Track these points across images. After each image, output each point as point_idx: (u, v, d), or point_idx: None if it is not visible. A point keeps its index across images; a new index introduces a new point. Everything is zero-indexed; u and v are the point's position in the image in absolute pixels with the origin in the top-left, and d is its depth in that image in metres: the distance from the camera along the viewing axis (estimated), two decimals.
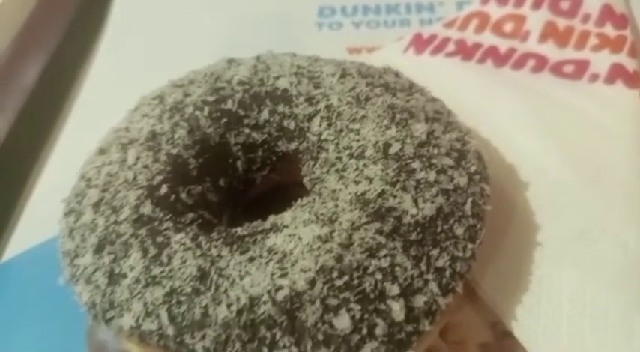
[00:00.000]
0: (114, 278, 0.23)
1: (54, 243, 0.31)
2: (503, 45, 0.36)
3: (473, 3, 0.39)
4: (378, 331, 0.21)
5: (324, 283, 0.21)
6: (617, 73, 0.33)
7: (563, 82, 0.33)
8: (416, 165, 0.24)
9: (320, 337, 0.21)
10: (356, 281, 0.21)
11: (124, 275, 0.22)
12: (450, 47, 0.37)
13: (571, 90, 0.33)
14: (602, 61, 0.34)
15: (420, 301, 0.21)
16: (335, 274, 0.21)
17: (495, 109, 0.32)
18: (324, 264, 0.21)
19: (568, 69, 0.34)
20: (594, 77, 0.33)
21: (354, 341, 0.21)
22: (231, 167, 0.28)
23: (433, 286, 0.22)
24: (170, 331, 0.21)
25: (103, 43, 0.43)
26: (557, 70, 0.34)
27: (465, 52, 0.36)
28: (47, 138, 0.37)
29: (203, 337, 0.21)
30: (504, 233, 0.28)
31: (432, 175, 0.24)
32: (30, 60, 0.41)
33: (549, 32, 0.36)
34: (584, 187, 0.28)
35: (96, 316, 0.23)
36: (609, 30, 0.35)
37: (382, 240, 0.22)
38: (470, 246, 0.23)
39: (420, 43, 0.37)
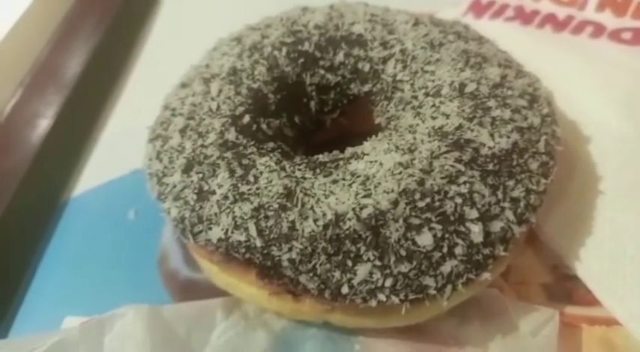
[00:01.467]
0: (202, 194, 0.24)
1: (122, 181, 0.33)
2: (561, 12, 0.37)
3: None
4: (458, 250, 0.22)
5: (407, 204, 0.22)
6: None
7: (622, 46, 0.34)
8: (491, 103, 0.25)
9: (403, 252, 0.22)
10: (437, 204, 0.22)
11: (213, 192, 0.24)
12: (509, 12, 0.37)
13: (629, 54, 0.33)
14: None
15: (496, 227, 0.22)
16: (417, 196, 0.22)
17: (556, 68, 0.32)
18: (406, 186, 0.22)
19: (626, 36, 0.35)
20: None
21: (435, 258, 0.22)
22: (305, 106, 0.29)
23: (509, 214, 0.23)
24: (258, 243, 0.22)
25: (162, 8, 0.44)
26: (615, 36, 0.35)
27: (523, 17, 0.37)
28: (114, 86, 0.38)
29: (290, 249, 0.22)
30: (567, 182, 0.28)
31: (507, 113, 0.25)
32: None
33: (607, 1, 0.37)
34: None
35: (184, 230, 0.24)
36: None
37: (461, 167, 0.23)
38: (543, 180, 0.24)
39: (478, 8, 0.38)
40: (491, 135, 0.24)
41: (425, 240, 0.22)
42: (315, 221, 0.22)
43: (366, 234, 0.22)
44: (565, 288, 0.27)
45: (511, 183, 0.23)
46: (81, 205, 0.32)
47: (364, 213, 0.22)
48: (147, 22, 0.43)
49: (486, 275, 0.22)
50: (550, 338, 0.24)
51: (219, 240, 0.23)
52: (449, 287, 0.22)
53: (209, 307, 0.26)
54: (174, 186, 0.24)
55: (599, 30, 0.35)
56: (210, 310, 0.26)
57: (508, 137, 0.24)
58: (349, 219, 0.22)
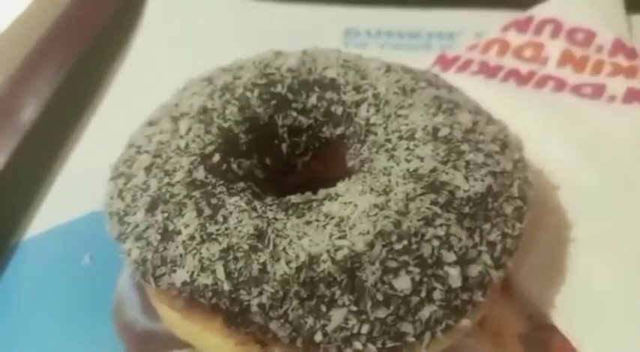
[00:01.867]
0: (167, 234, 0.22)
1: (77, 224, 0.31)
2: (523, 67, 0.38)
3: (491, 32, 0.42)
4: (436, 295, 0.21)
5: (383, 246, 0.21)
6: (633, 96, 0.35)
7: (583, 100, 0.35)
8: (465, 147, 0.25)
9: (380, 297, 0.20)
10: (414, 246, 0.21)
11: (178, 232, 0.22)
12: (474, 67, 0.39)
13: (591, 107, 0.34)
14: (618, 85, 0.36)
15: (474, 271, 0.22)
16: (394, 238, 0.21)
17: (521, 120, 0.33)
18: (382, 228, 0.21)
19: (587, 90, 0.36)
20: (612, 98, 0.35)
21: (414, 303, 0.21)
22: (277, 148, 0.28)
23: (486, 258, 0.22)
24: (226, 286, 0.21)
25: (133, 46, 0.44)
26: (576, 90, 0.36)
27: (488, 71, 0.38)
28: (74, 126, 0.37)
29: (260, 293, 0.21)
30: (538, 229, 0.28)
31: (480, 157, 0.24)
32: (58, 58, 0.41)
33: (567, 59, 0.38)
34: (611, 191, 0.29)
35: (145, 273, 0.22)
36: (622, 60, 0.38)
37: (437, 210, 0.22)
38: (518, 225, 0.24)
39: (444, 62, 0.39)
40: (466, 178, 0.23)
41: (402, 283, 0.21)
42: (287, 263, 0.21)
43: (342, 277, 0.21)
44: (542, 338, 0.26)
45: (487, 226, 0.23)
46: (32, 248, 0.30)
47: (339, 255, 0.21)
48: (113, 63, 0.42)
49: (465, 322, 0.21)
50: None
51: (184, 283, 0.21)
52: (428, 334, 0.21)
53: None
54: (137, 226, 0.23)
55: (560, 85, 0.37)
56: None
57: (482, 180, 0.24)
58: (324, 261, 0.21)
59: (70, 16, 0.45)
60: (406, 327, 0.20)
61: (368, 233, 0.21)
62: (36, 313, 0.28)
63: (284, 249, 0.21)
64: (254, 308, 0.21)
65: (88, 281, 0.29)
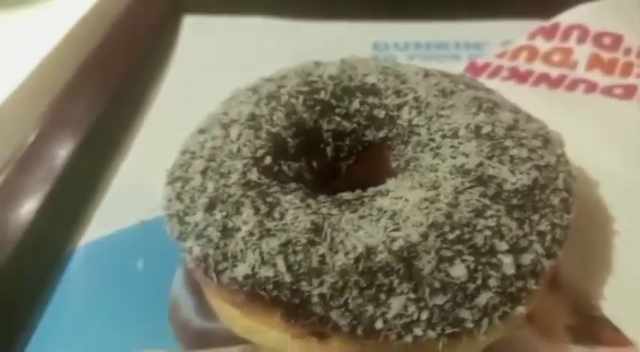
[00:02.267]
0: (227, 232, 0.23)
1: (129, 232, 0.32)
2: (553, 72, 0.39)
3: (518, 41, 0.43)
4: (492, 282, 0.21)
5: (437, 236, 0.22)
6: None
7: (615, 101, 0.36)
8: (508, 143, 0.25)
9: (437, 284, 0.21)
10: (467, 236, 0.22)
11: (238, 229, 0.23)
12: (504, 73, 0.39)
13: (624, 107, 0.35)
14: None
15: (526, 259, 0.22)
16: (446, 228, 0.22)
17: (555, 122, 0.34)
18: (435, 219, 0.22)
19: (618, 91, 0.36)
20: None
21: (470, 290, 0.21)
22: (322, 152, 0.29)
23: (537, 247, 0.23)
24: (287, 278, 0.22)
25: (170, 69, 0.46)
26: (607, 92, 0.37)
27: (518, 77, 0.39)
28: (124, 138, 0.39)
29: (321, 283, 0.21)
30: (582, 224, 0.28)
31: (524, 152, 0.25)
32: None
33: (595, 62, 0.39)
34: None
35: (207, 269, 0.23)
36: None
37: (486, 202, 0.23)
38: (566, 215, 0.24)
39: (475, 69, 0.40)
40: (512, 172, 0.24)
41: (458, 271, 0.21)
42: (345, 254, 0.22)
43: (399, 267, 0.21)
44: (592, 330, 0.26)
45: (536, 217, 0.23)
46: (87, 255, 0.31)
47: (395, 246, 0.21)
48: (159, 76, 0.44)
49: (521, 309, 0.22)
50: None
51: (246, 277, 0.22)
52: (485, 320, 0.21)
53: None
54: (197, 225, 0.24)
55: (591, 87, 0.37)
56: None
57: (528, 174, 0.24)
58: (380, 252, 0.21)
59: (116, 32, 0.47)
60: (464, 313, 0.21)
61: (421, 224, 0.22)
62: (93, 317, 0.29)
63: (341, 242, 0.22)
64: (315, 299, 0.21)
65: (142, 285, 0.29)
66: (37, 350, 0.27)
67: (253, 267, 0.22)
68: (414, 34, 0.47)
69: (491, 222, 0.22)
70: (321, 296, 0.21)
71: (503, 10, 0.47)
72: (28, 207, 0.31)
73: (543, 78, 0.39)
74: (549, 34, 0.42)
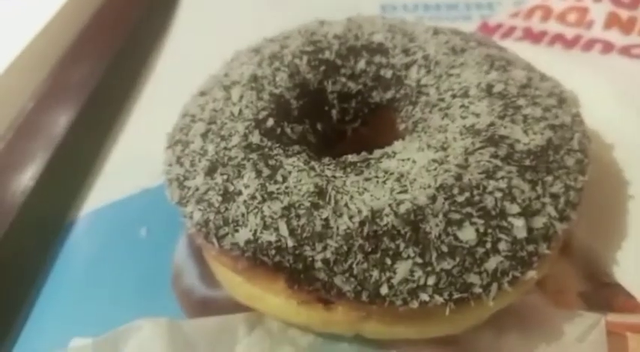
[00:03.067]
0: (228, 196, 0.23)
1: (132, 200, 0.32)
2: (569, 32, 0.37)
3: (531, 0, 0.41)
4: (502, 246, 0.21)
5: (446, 199, 0.21)
6: None
7: (633, 60, 0.34)
8: (521, 102, 0.24)
9: (445, 248, 0.20)
10: (477, 198, 0.21)
11: (239, 193, 0.22)
12: (518, 33, 0.38)
13: None
14: None
15: (538, 222, 0.21)
16: (455, 191, 0.21)
17: (571, 82, 0.32)
18: (443, 181, 0.21)
19: (636, 51, 0.35)
20: None
21: (479, 254, 0.20)
22: (327, 115, 0.28)
23: (550, 209, 0.22)
24: (290, 242, 0.21)
25: (175, 26, 0.44)
26: (625, 52, 0.35)
27: (532, 37, 0.38)
28: (124, 105, 0.38)
29: (324, 248, 0.21)
30: (595, 187, 0.27)
31: (537, 111, 0.24)
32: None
33: (613, 21, 0.37)
34: None
35: (208, 234, 0.23)
36: None
37: (498, 163, 0.22)
38: (580, 177, 0.23)
39: (487, 30, 0.39)
40: (525, 131, 0.23)
41: (467, 234, 0.20)
42: (350, 218, 0.21)
43: (405, 230, 0.21)
44: (604, 296, 0.25)
45: (549, 178, 0.22)
46: (90, 224, 0.31)
47: (402, 209, 0.21)
48: (159, 40, 0.43)
49: (532, 274, 0.21)
50: (599, 344, 0.22)
51: (247, 242, 0.22)
52: (494, 285, 0.20)
53: (231, 322, 0.25)
54: (197, 189, 0.23)
55: (608, 47, 0.36)
56: (232, 325, 0.25)
57: (542, 134, 0.23)
58: (386, 215, 0.21)
59: (111, 2, 0.46)
60: (473, 278, 0.20)
61: (429, 187, 0.21)
62: (96, 286, 0.28)
63: (346, 205, 0.21)
64: (318, 264, 0.21)
65: (145, 253, 0.29)
66: (40, 319, 0.27)
67: (255, 232, 0.21)
68: None
69: (503, 184, 0.21)
70: (325, 261, 0.21)
71: None
72: (28, 175, 0.31)
73: (558, 38, 0.37)
74: None
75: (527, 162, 0.22)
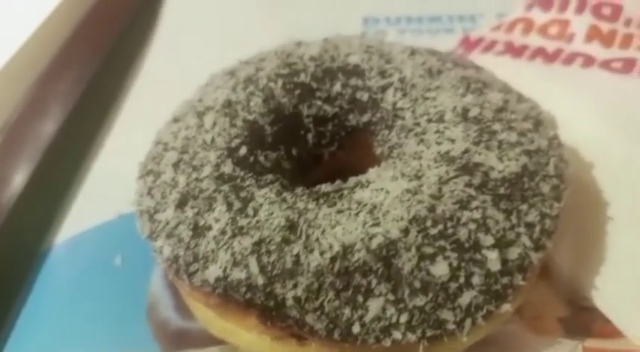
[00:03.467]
0: (198, 230, 0.22)
1: (107, 226, 0.31)
2: (550, 45, 0.37)
3: (514, 12, 0.41)
4: (475, 280, 0.20)
5: (418, 232, 0.21)
6: None
7: (614, 75, 0.34)
8: (497, 127, 0.24)
9: (417, 284, 0.20)
10: (450, 231, 0.21)
11: (209, 228, 0.22)
12: (499, 47, 0.38)
13: (622, 82, 0.33)
14: None
15: (513, 253, 0.21)
16: (429, 223, 0.21)
17: (551, 99, 0.32)
18: (416, 213, 0.21)
19: (616, 65, 0.35)
20: None
21: (452, 289, 0.20)
22: (303, 139, 0.28)
23: (525, 239, 0.21)
24: (260, 280, 0.21)
25: (154, 44, 0.44)
26: (605, 66, 0.35)
27: (513, 51, 0.37)
28: (99, 129, 0.37)
29: (295, 286, 0.20)
30: (575, 209, 0.27)
31: (513, 136, 0.24)
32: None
33: (594, 34, 0.37)
34: None
35: (178, 270, 0.22)
36: None
37: (472, 192, 0.22)
38: (556, 204, 0.23)
39: (468, 44, 0.38)
40: (500, 158, 0.23)
41: (440, 269, 0.20)
42: (321, 254, 0.20)
43: (377, 266, 0.20)
44: (583, 321, 0.25)
45: (524, 207, 0.22)
46: (64, 252, 0.30)
47: (374, 244, 0.20)
48: (135, 63, 0.42)
49: (507, 307, 0.21)
50: None
51: (217, 279, 0.21)
52: (468, 320, 0.20)
53: None
54: (167, 223, 0.23)
55: (589, 61, 0.36)
56: None
57: (517, 160, 0.23)
58: (358, 251, 0.20)
59: (90, 20, 0.45)
60: (446, 314, 0.20)
61: (402, 219, 0.21)
62: (69, 317, 0.28)
63: (317, 240, 0.21)
64: (289, 302, 0.20)
65: (120, 282, 0.29)
66: (14, 350, 0.27)
67: (225, 269, 0.21)
68: (406, 7, 0.45)
69: (477, 215, 0.21)
70: (296, 298, 0.20)
71: None
72: (4, 200, 0.30)
73: (539, 52, 0.37)
74: (546, 4, 0.40)
75: (501, 191, 0.22)
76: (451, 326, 0.20)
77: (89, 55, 0.40)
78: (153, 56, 0.43)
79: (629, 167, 0.28)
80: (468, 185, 0.22)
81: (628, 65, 0.35)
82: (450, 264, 0.20)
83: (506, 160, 0.23)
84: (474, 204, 0.21)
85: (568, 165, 0.25)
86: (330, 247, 0.20)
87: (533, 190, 0.23)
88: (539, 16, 0.39)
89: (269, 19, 0.46)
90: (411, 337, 0.20)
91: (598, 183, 0.28)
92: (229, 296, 0.21)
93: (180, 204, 0.23)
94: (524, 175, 0.23)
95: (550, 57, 0.36)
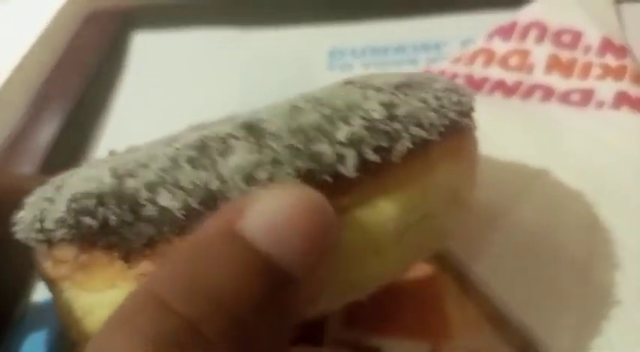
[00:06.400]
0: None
1: None
2: (510, 78, 0.37)
3: (477, 41, 0.41)
4: None
5: None
6: (621, 100, 0.34)
7: (572, 109, 0.34)
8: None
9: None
10: None
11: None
12: (459, 81, 0.38)
13: (579, 116, 0.34)
14: (606, 89, 0.35)
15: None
16: None
17: (508, 135, 0.33)
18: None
19: (575, 97, 0.35)
20: (600, 104, 0.34)
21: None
22: None
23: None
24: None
25: (122, 88, 0.45)
26: (564, 98, 0.35)
27: (473, 84, 0.37)
28: None
29: None
30: (525, 254, 0.28)
31: None
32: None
33: (553, 64, 0.37)
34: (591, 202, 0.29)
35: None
36: (610, 60, 0.36)
37: None
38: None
39: None
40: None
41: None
42: None
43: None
44: None
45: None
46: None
47: None
48: (110, 98, 0.43)
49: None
50: None
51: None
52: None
53: None
54: None
55: (548, 93, 0.36)
56: None
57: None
58: None
59: (66, 56, 0.46)
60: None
61: None
62: None
63: None
64: None
65: None
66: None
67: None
68: (372, 37, 0.45)
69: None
70: None
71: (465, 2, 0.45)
72: None
73: (499, 85, 0.37)
74: (506, 34, 0.40)
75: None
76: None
77: (64, 96, 0.41)
78: (126, 95, 0.44)
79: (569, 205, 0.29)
80: None
81: (586, 97, 0.35)
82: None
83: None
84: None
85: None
86: None
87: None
88: (499, 47, 0.40)
89: (235, 52, 0.46)
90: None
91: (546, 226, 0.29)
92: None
93: None
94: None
95: (509, 90, 0.37)
